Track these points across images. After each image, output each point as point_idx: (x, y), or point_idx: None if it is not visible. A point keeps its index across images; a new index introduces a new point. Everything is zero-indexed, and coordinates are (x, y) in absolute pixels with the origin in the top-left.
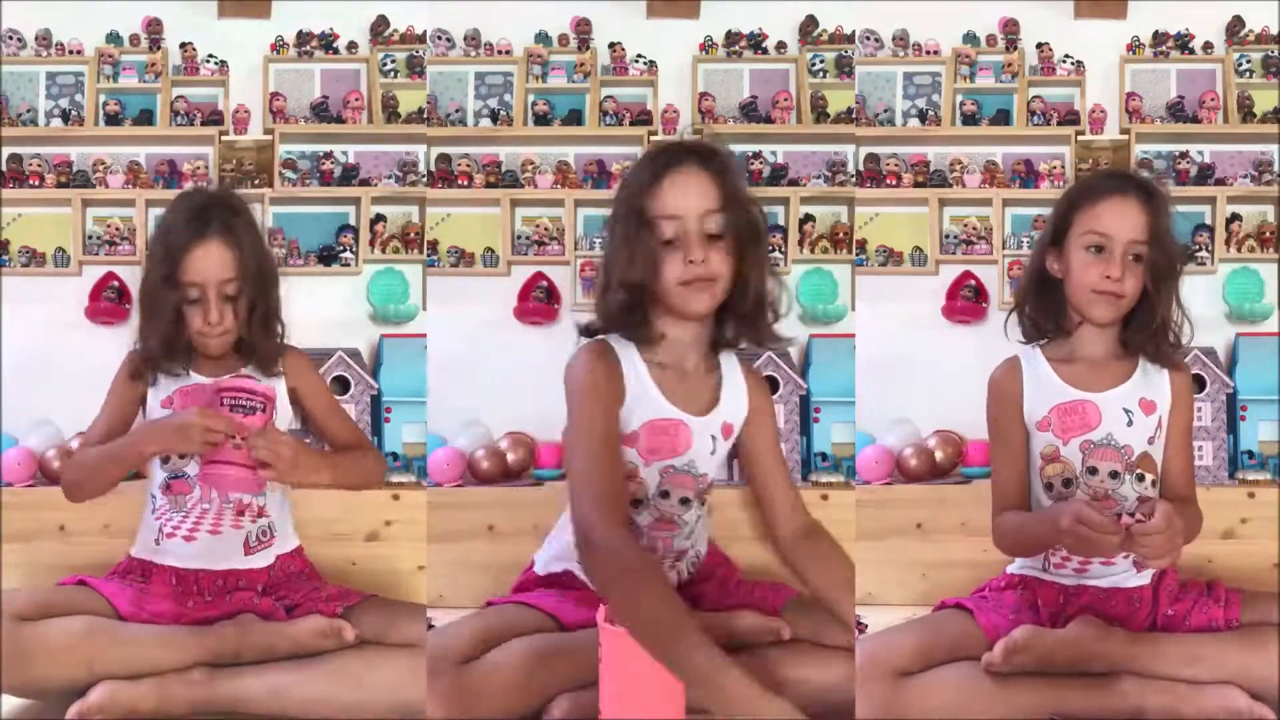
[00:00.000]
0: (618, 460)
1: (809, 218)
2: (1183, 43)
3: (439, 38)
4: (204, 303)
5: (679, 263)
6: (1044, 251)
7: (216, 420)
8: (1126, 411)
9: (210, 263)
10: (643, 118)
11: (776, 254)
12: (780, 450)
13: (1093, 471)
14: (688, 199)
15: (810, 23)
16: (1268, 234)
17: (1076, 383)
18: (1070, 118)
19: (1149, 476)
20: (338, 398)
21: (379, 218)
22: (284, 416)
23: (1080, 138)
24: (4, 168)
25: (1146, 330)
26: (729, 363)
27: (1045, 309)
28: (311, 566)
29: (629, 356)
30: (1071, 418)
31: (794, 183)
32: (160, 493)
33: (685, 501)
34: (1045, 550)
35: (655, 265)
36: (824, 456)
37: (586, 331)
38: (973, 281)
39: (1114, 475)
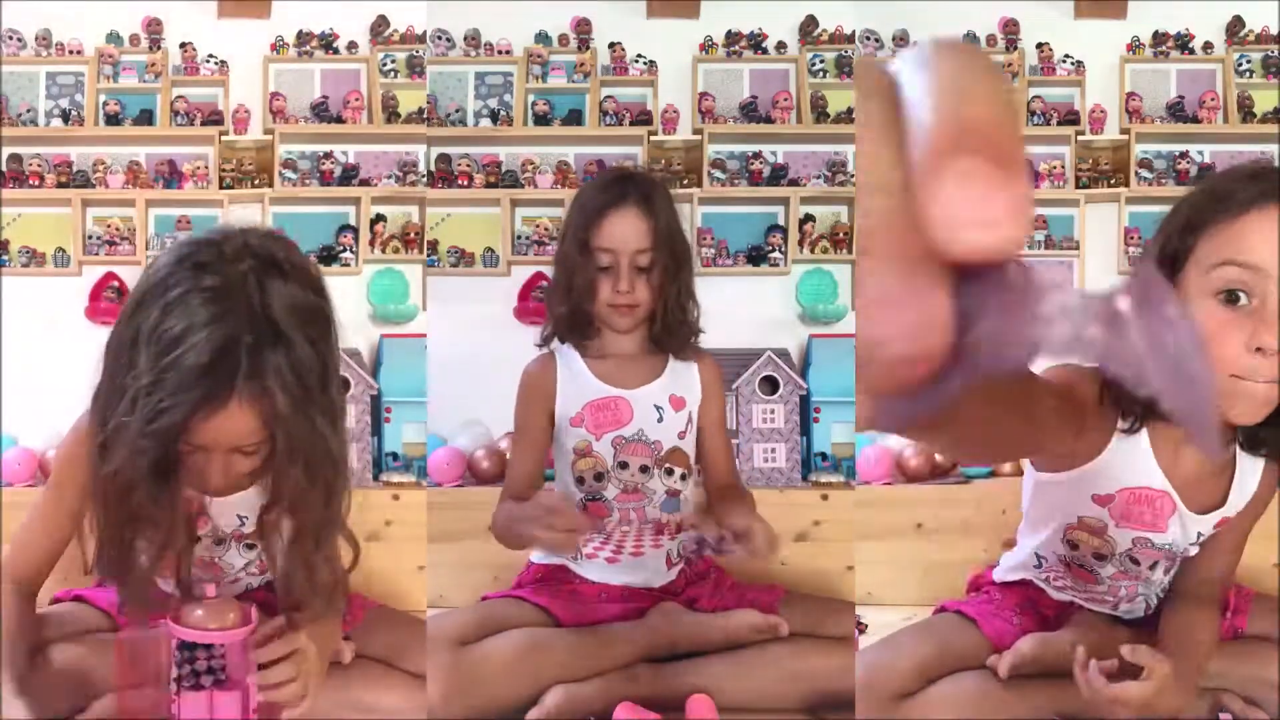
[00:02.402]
0: (536, 457)
1: (809, 218)
2: (1183, 43)
3: (439, 38)
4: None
5: (609, 288)
6: None
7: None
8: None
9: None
10: (643, 118)
11: (777, 254)
12: (724, 425)
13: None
14: (624, 237)
15: (810, 23)
16: None
17: None
18: (1070, 118)
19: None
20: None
21: (379, 218)
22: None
23: (1080, 138)
24: (4, 168)
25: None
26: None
27: None
28: None
29: (567, 358)
30: None
31: (794, 183)
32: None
33: (645, 469)
34: None
35: (593, 289)
36: (824, 456)
37: (542, 337)
38: None
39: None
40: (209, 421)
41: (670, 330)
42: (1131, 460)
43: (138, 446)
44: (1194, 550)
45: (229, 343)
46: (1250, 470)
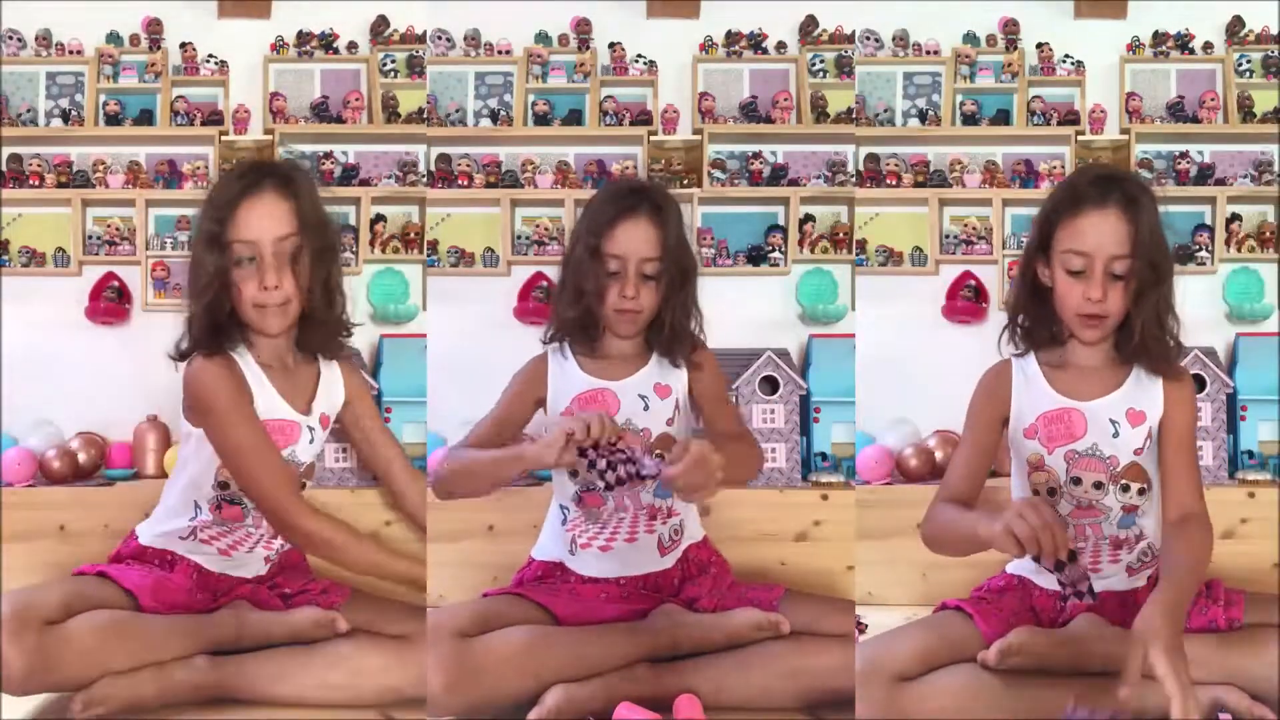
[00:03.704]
0: (497, 433)
1: (809, 218)
2: (1183, 43)
3: (439, 38)
4: (260, 264)
5: (616, 293)
6: (1032, 260)
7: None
8: (1113, 422)
9: (265, 215)
10: (643, 118)
11: (777, 254)
12: (726, 397)
13: (1076, 482)
14: (633, 244)
15: (810, 23)
16: (1268, 234)
17: (1066, 390)
18: (1070, 118)
19: (1135, 486)
20: None
21: (379, 218)
22: (321, 440)
23: (1080, 138)
24: (4, 168)
25: (1132, 342)
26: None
27: (1038, 318)
28: (305, 559)
29: (559, 357)
30: (1057, 426)
31: (794, 183)
32: (209, 510)
33: None
34: (966, 551)
35: (601, 292)
36: (824, 456)
37: (546, 340)
38: (973, 281)
39: (1098, 486)
40: (251, 209)
41: (676, 338)
42: (1033, 389)
43: (202, 232)
44: (1128, 455)
45: (261, 164)
46: (1147, 383)
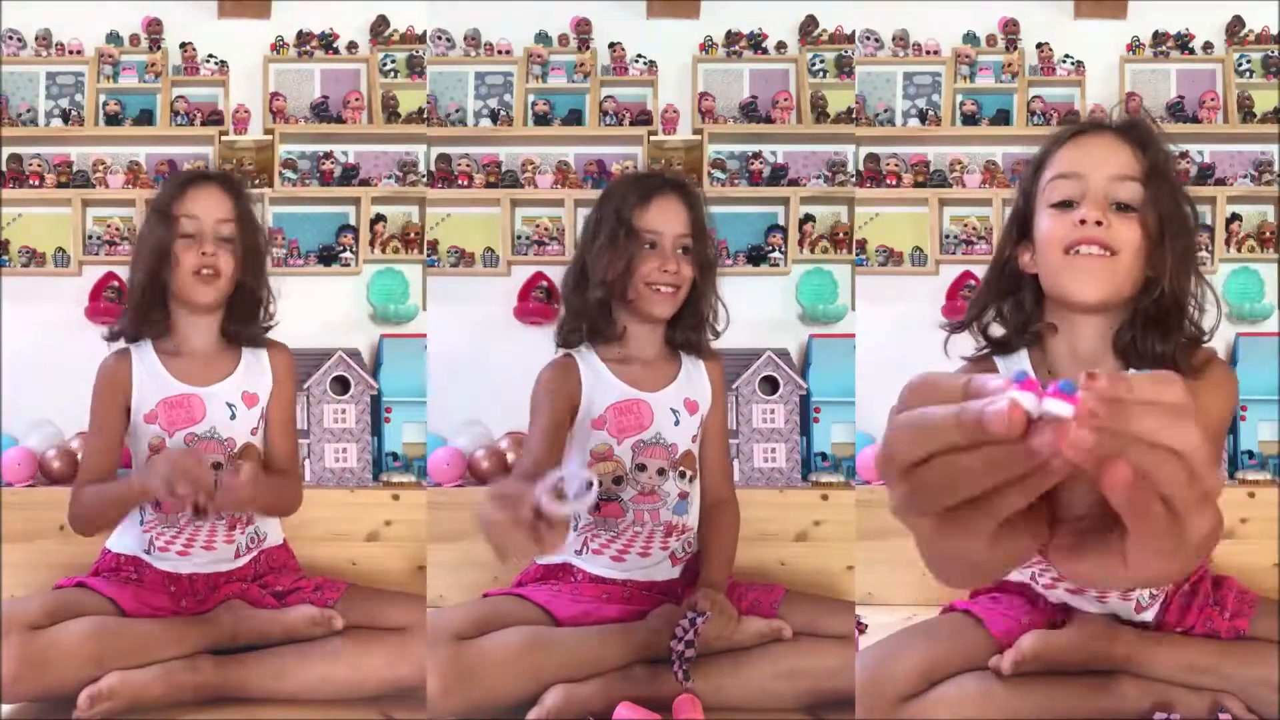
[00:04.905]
0: (552, 448)
1: (809, 218)
2: (1183, 43)
3: (439, 38)
4: (200, 237)
5: (653, 266)
6: (1010, 248)
7: (195, 474)
8: None
9: (209, 201)
10: (643, 118)
11: (777, 254)
12: (725, 430)
13: None
14: (668, 220)
15: (810, 23)
16: (1268, 234)
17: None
18: (1070, 118)
19: None
20: (337, 398)
21: (379, 218)
22: (251, 418)
23: None
24: (4, 168)
25: (1157, 314)
26: (687, 355)
27: (1014, 318)
28: (294, 558)
29: (588, 360)
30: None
31: (794, 183)
32: (150, 507)
33: (661, 472)
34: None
35: (631, 265)
36: (824, 456)
37: (561, 337)
38: (973, 281)
39: None
40: (198, 194)
41: (695, 327)
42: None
43: (152, 209)
44: None
45: (208, 171)
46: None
